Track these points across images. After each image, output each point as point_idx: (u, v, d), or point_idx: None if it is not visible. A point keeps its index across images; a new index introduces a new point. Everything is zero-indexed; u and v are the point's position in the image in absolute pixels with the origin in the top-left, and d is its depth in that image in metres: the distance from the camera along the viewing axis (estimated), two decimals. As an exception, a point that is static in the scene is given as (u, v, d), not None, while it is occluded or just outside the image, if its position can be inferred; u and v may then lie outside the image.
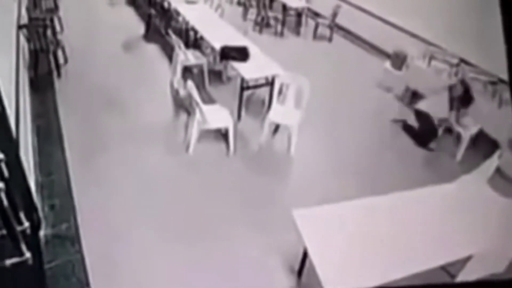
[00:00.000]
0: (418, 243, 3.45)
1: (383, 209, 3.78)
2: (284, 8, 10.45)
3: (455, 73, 6.83)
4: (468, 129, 6.02)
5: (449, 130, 6.24)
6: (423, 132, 6.26)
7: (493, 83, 6.29)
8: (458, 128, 6.07)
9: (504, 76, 5.28)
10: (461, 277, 3.63)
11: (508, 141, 4.35)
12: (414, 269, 3.18)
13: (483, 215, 3.77)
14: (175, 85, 6.99)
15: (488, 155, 4.67)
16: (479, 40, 6.21)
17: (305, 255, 3.68)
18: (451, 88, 6.13)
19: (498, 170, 4.21)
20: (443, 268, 3.59)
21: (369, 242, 3.43)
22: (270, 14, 10.55)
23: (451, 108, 6.08)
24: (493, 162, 4.46)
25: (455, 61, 7.01)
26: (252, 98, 6.82)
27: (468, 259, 3.52)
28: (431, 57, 7.17)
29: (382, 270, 3.17)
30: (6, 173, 2.49)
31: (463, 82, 6.11)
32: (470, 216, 3.74)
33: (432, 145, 6.24)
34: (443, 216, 3.74)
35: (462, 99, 6.03)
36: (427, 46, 7.67)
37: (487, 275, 3.58)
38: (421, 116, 6.23)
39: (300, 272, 3.90)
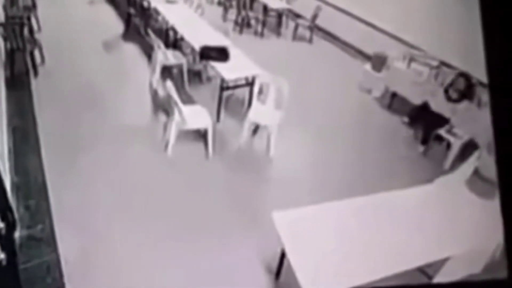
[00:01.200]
0: (396, 244, 3.48)
1: (362, 210, 3.81)
2: (265, 8, 10.45)
3: (435, 75, 6.90)
4: (458, 138, 6.04)
5: (439, 138, 6.28)
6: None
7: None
8: (448, 136, 6.11)
9: (484, 78, 5.37)
10: (439, 278, 3.67)
11: (487, 143, 4.40)
12: (392, 270, 3.22)
13: (461, 216, 3.82)
14: (154, 85, 6.95)
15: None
16: (459, 43, 6.28)
17: (283, 255, 3.68)
18: (452, 84, 6.17)
19: (476, 172, 4.26)
20: (421, 269, 3.62)
21: (348, 243, 3.45)
22: (251, 14, 10.54)
23: (449, 99, 6.16)
24: (471, 163, 4.52)
25: (435, 63, 7.07)
26: (232, 99, 6.80)
27: (446, 260, 3.56)
28: (411, 59, 7.23)
29: (360, 271, 3.19)
30: (-20, 174, 2.46)
31: (463, 75, 6.10)
32: (448, 217, 3.78)
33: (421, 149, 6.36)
34: (421, 217, 3.78)
35: (466, 92, 6.05)
36: (407, 48, 7.74)
37: (464, 276, 3.62)
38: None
39: (278, 273, 3.90)
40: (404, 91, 7.19)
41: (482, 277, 3.67)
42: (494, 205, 3.74)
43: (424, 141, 6.35)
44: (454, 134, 6.06)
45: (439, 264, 3.59)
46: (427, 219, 3.74)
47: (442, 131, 6.14)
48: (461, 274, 3.62)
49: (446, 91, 6.23)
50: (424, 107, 6.54)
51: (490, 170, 3.98)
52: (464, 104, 6.13)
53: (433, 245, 3.53)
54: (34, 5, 8.46)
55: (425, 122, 6.46)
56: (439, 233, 3.59)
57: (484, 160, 4.29)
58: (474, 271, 3.67)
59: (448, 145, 6.10)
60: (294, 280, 3.08)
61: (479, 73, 5.76)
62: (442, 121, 6.20)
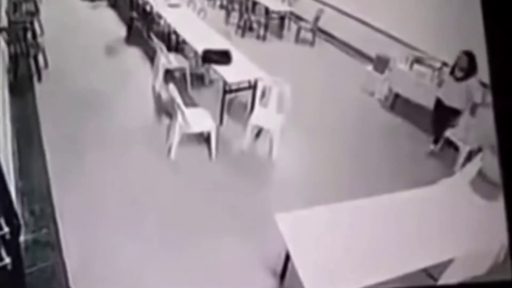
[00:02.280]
0: (400, 245, 3.48)
1: (365, 212, 3.80)
2: (267, 11, 10.46)
3: (438, 76, 6.90)
4: (467, 143, 5.94)
5: (449, 142, 6.25)
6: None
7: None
8: (456, 140, 6.07)
9: (486, 79, 5.37)
10: (443, 280, 3.65)
11: (490, 145, 4.39)
12: (395, 272, 3.21)
13: (465, 218, 3.81)
14: (157, 88, 6.97)
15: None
16: (460, 44, 6.28)
17: (287, 258, 3.68)
18: (456, 63, 6.12)
19: (480, 173, 4.25)
20: (425, 270, 3.62)
21: (351, 245, 3.45)
22: (253, 17, 10.55)
23: (456, 79, 6.10)
24: (475, 164, 4.51)
25: (437, 64, 7.07)
26: (235, 102, 6.81)
27: (450, 261, 3.55)
28: (414, 61, 7.24)
29: (364, 273, 3.19)
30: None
31: (467, 53, 6.03)
32: (452, 218, 3.77)
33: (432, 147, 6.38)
34: (425, 218, 3.77)
35: (468, 69, 6.02)
36: (410, 49, 7.75)
37: (468, 277, 3.61)
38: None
39: (282, 276, 3.91)
40: (408, 93, 7.20)
41: (486, 279, 3.67)
42: (498, 206, 3.74)
43: (436, 140, 6.34)
44: (463, 140, 5.98)
45: (443, 266, 3.59)
46: (431, 220, 3.74)
47: (451, 135, 6.09)
48: (465, 275, 3.61)
49: (452, 72, 6.19)
50: (437, 104, 6.44)
51: (494, 171, 3.98)
52: (470, 81, 6.03)
53: (437, 246, 3.52)
54: (37, 10, 8.49)
55: (438, 118, 6.40)
56: (443, 235, 3.59)
57: (488, 161, 4.28)
58: (478, 272, 3.66)
59: (456, 149, 6.06)
60: (298, 282, 3.08)
61: (482, 73, 5.77)
62: (455, 114, 6.14)
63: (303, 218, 3.65)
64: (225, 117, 6.34)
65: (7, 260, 2.48)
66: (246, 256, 4.12)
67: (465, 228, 3.64)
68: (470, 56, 5.91)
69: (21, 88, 6.60)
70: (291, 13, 11.02)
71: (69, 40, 8.53)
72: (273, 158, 5.68)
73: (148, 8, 9.27)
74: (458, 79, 6.07)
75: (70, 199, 4.54)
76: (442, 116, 6.29)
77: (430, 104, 6.63)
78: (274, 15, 10.75)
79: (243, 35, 10.28)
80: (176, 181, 5.11)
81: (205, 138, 5.72)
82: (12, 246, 2.95)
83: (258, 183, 5.31)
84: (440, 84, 6.67)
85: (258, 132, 6.01)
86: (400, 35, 8.39)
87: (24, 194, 4.58)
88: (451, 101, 6.14)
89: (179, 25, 7.79)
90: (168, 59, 6.98)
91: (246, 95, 6.58)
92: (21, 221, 4.12)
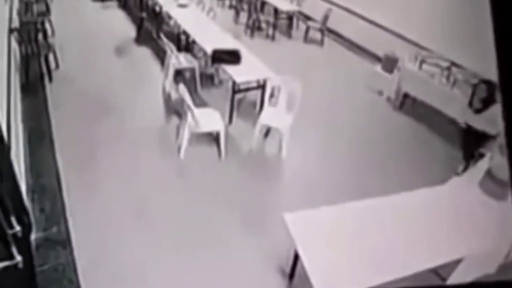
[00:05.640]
0: (408, 245, 3.47)
1: (374, 212, 3.80)
2: (276, 11, 10.48)
3: (447, 76, 6.86)
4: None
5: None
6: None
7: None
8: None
9: (494, 77, 5.31)
10: (452, 279, 3.65)
11: (499, 145, 4.37)
12: (405, 272, 3.20)
13: (474, 217, 3.80)
14: (167, 88, 7.00)
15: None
16: (469, 43, 6.24)
17: (296, 258, 3.69)
18: (475, 89, 5.87)
19: (488, 173, 4.23)
20: (434, 270, 3.61)
21: (360, 245, 3.45)
22: (262, 17, 10.57)
23: (474, 111, 5.82)
24: (483, 164, 4.49)
25: (446, 64, 7.03)
26: (244, 102, 6.82)
27: (458, 261, 3.55)
28: (422, 60, 7.20)
29: (373, 273, 3.19)
30: (-3, 177, 2.49)
31: (487, 82, 5.66)
32: (461, 218, 3.76)
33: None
34: (434, 218, 3.76)
35: (486, 100, 5.65)
36: (418, 49, 7.71)
37: (477, 277, 3.61)
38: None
39: (291, 276, 3.91)
40: (417, 92, 7.17)
41: (495, 278, 3.66)
42: (507, 206, 3.73)
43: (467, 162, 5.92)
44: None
45: (452, 266, 3.58)
46: (440, 220, 3.72)
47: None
48: (474, 275, 3.60)
49: (470, 104, 5.82)
50: (468, 128, 6.13)
51: (503, 171, 3.97)
52: (491, 110, 5.75)
53: (446, 246, 3.51)
54: (48, 10, 8.54)
55: (469, 140, 6.09)
56: (452, 234, 3.58)
57: (497, 161, 4.26)
58: (487, 272, 3.65)
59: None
60: (307, 281, 3.09)
61: (490, 72, 5.72)
62: (485, 139, 5.82)
63: (312, 217, 3.65)
64: (234, 116, 6.36)
65: (18, 258, 2.50)
66: (255, 255, 4.14)
67: (474, 228, 3.63)
68: (489, 84, 5.58)
69: (32, 88, 6.65)
70: (300, 12, 11.02)
71: (80, 40, 8.58)
72: (283, 157, 5.68)
73: (157, 8, 9.31)
74: (477, 111, 5.72)
75: (80, 197, 4.58)
76: (472, 138, 5.96)
77: (440, 104, 6.62)
78: (283, 15, 10.76)
79: (252, 35, 10.29)
80: (185, 180, 5.13)
81: (214, 138, 5.73)
82: (23, 244, 2.98)
83: (267, 183, 5.32)
84: (454, 84, 6.61)
85: (267, 132, 6.02)
86: (409, 35, 8.35)
87: (35, 193, 4.63)
88: (479, 126, 5.81)
89: (189, 25, 7.81)
90: (178, 59, 7.01)
91: (255, 95, 6.61)
92: (32, 220, 4.16)
